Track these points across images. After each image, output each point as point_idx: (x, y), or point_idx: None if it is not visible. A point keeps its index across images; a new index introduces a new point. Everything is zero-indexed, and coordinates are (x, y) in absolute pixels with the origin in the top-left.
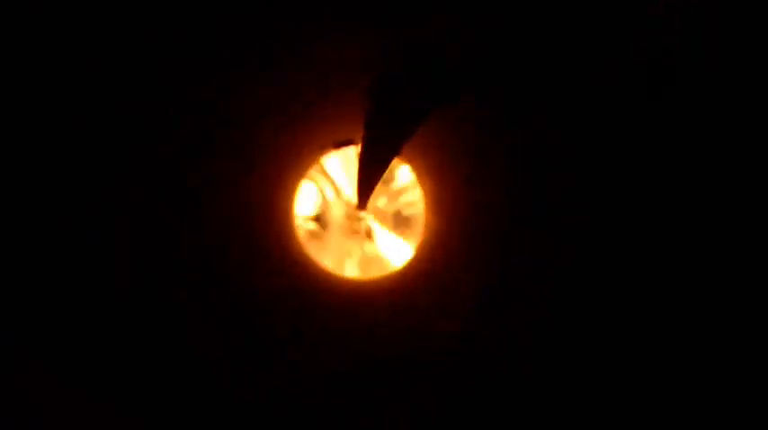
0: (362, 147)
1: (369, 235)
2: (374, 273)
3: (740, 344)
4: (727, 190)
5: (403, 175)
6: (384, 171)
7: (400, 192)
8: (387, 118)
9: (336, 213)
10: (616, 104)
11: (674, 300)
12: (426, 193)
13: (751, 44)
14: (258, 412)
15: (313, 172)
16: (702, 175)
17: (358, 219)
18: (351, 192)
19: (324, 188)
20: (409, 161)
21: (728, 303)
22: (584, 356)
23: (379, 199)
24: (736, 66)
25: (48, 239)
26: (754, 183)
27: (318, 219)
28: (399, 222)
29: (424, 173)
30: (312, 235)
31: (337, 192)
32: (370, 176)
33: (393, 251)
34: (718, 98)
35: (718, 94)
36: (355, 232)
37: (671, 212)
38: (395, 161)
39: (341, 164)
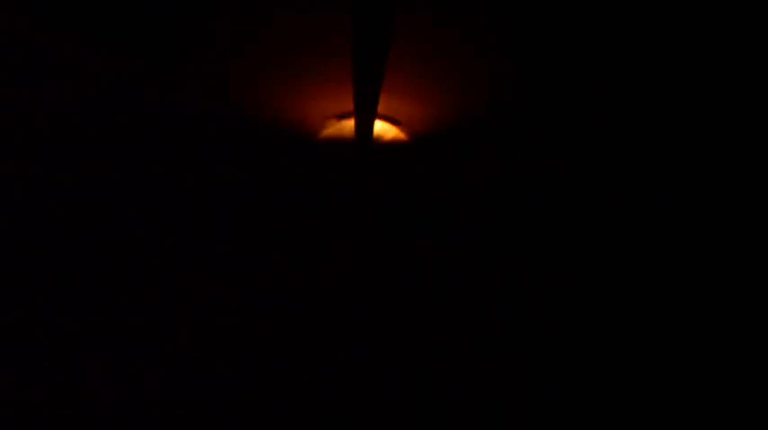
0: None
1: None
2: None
3: (740, 344)
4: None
5: (404, 144)
6: (373, 121)
7: (401, 159)
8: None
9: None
10: (616, 85)
11: (675, 306)
12: (424, 161)
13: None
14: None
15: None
16: (702, 175)
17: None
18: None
19: (328, 156)
20: (410, 133)
21: (728, 303)
22: (584, 330)
23: (381, 164)
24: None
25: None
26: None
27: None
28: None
29: (423, 142)
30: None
31: (338, 162)
32: (364, 134)
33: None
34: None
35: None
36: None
37: (666, 202)
38: (397, 132)
39: (343, 136)
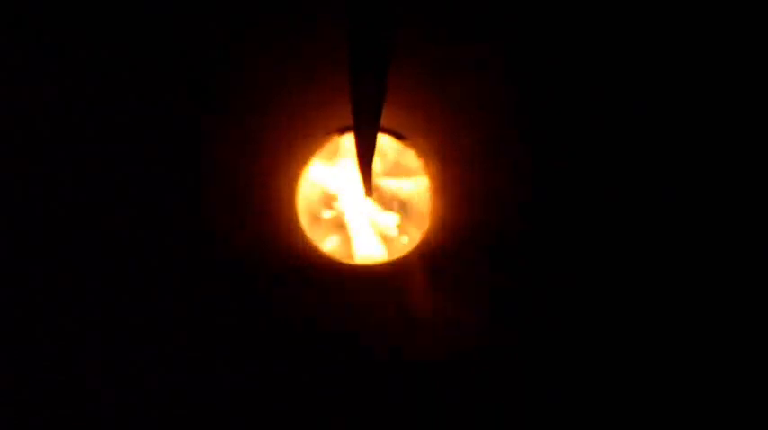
0: (352, 113)
1: (374, 221)
2: (379, 259)
3: (740, 345)
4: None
5: (409, 162)
6: (373, 149)
7: (406, 179)
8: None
9: (342, 199)
10: (619, 94)
11: (675, 300)
12: (432, 180)
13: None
14: (258, 398)
15: (318, 158)
16: (702, 176)
17: (364, 205)
18: (355, 177)
19: (329, 174)
20: (415, 147)
21: (728, 303)
22: (585, 345)
23: (385, 185)
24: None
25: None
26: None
27: (324, 205)
28: (405, 209)
29: (430, 160)
30: (317, 221)
31: (342, 178)
32: (364, 158)
33: (398, 237)
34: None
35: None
36: (361, 218)
37: (673, 209)
38: (402, 148)
39: (346, 150)
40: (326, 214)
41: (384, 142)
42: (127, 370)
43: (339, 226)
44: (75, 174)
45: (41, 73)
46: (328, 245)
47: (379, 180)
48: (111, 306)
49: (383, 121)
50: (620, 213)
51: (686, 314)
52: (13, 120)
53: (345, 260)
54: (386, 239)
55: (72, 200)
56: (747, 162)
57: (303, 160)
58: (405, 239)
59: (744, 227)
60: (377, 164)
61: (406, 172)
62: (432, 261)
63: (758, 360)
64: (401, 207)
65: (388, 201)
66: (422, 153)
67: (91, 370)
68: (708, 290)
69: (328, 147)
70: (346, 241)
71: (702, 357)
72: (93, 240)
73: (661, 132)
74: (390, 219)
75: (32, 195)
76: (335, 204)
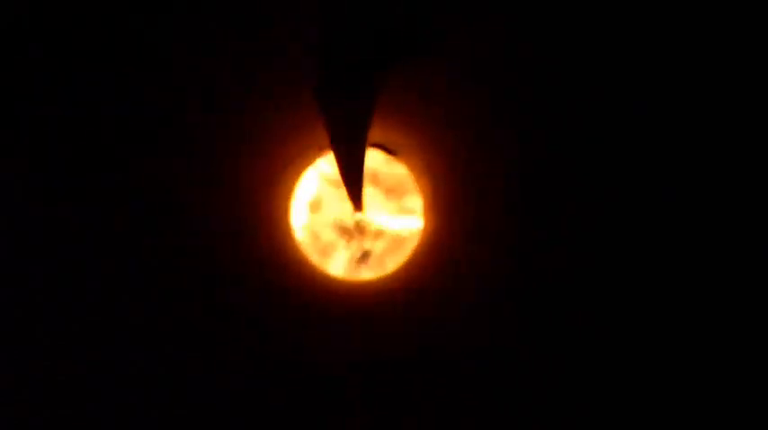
0: (331, 143)
1: (366, 236)
2: (372, 274)
3: (740, 345)
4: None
5: (400, 177)
6: (362, 163)
7: (398, 193)
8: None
9: (334, 215)
10: (613, 102)
11: (672, 301)
12: (424, 195)
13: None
14: (253, 411)
15: (310, 173)
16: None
17: (355, 220)
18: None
19: (321, 189)
20: (406, 163)
21: (728, 303)
22: (581, 354)
23: (376, 200)
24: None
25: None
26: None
27: (316, 220)
28: (396, 224)
29: (421, 176)
30: (310, 236)
31: (334, 193)
32: (351, 172)
33: (391, 251)
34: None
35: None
36: (353, 233)
37: (668, 212)
38: (393, 163)
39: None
40: (319, 230)
41: (375, 158)
42: (127, 370)
43: (331, 241)
44: (75, 177)
45: (41, 73)
46: (320, 260)
47: (369, 195)
48: (111, 306)
49: (374, 136)
50: (620, 224)
51: (686, 314)
52: (13, 120)
53: (337, 275)
54: (376, 255)
55: (72, 202)
56: (747, 162)
57: (297, 175)
58: (395, 255)
59: (744, 227)
60: (369, 180)
61: (397, 188)
62: (423, 276)
63: (758, 360)
64: (392, 223)
65: (378, 217)
66: (414, 169)
67: (91, 370)
68: (708, 291)
69: (322, 161)
70: (338, 257)
71: (702, 358)
72: (93, 242)
73: (661, 134)
74: (381, 235)
75: (32, 195)
76: (328, 220)
